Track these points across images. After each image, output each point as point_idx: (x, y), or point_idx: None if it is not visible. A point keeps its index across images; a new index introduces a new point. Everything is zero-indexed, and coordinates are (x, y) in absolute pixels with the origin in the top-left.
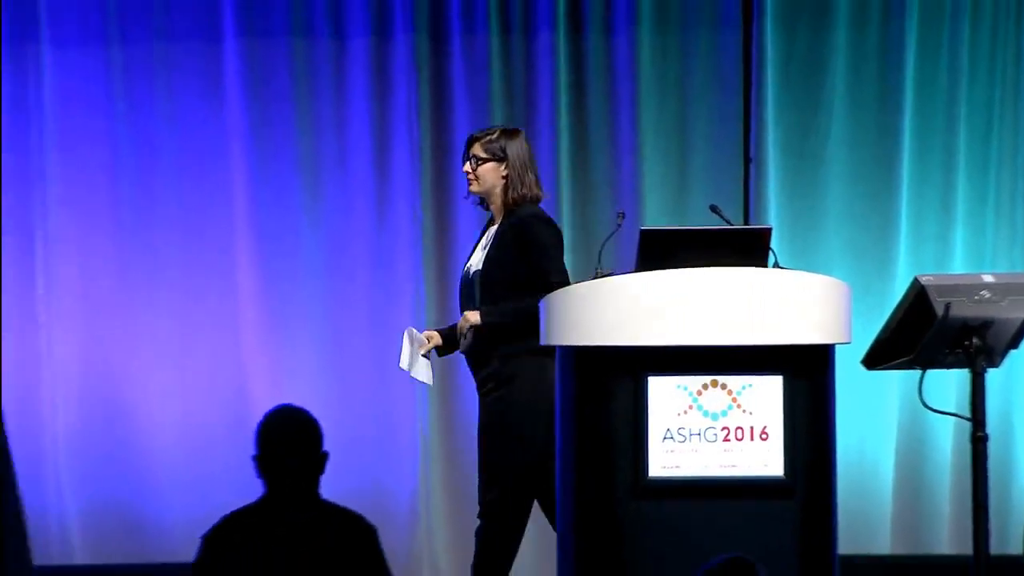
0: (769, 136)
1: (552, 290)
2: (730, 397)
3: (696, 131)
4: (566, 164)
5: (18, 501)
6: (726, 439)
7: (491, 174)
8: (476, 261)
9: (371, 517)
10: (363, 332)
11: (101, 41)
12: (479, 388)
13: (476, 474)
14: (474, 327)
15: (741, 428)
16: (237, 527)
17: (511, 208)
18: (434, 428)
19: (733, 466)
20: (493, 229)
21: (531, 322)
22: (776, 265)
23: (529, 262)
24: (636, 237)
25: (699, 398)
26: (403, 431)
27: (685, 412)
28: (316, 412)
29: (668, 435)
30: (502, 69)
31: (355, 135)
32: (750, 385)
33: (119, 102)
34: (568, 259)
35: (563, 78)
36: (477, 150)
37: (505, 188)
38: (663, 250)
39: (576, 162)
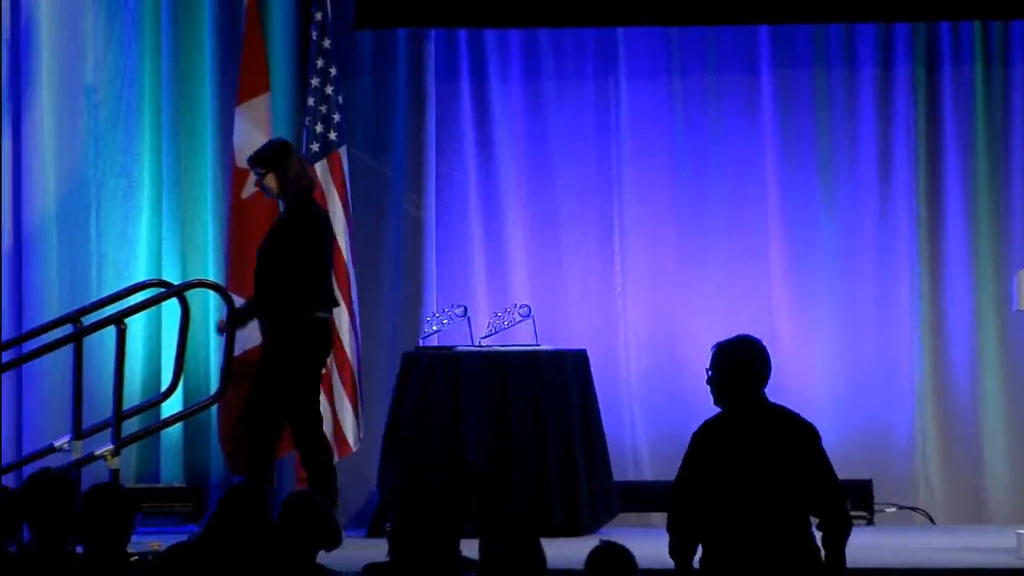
0: None
1: None
2: None
3: None
4: None
5: None
6: None
7: None
8: None
9: (873, 447)
10: (869, 304)
11: (665, 73)
12: None
13: (968, 409)
14: None
15: None
16: (716, 432)
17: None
18: (927, 371)
19: None
20: None
21: None
22: None
23: None
24: None
25: None
26: (901, 374)
27: None
28: (828, 357)
29: None
30: (984, 93)
31: (863, 146)
32: None
33: (678, 122)
34: None
35: None
36: None
37: None
38: None
39: None
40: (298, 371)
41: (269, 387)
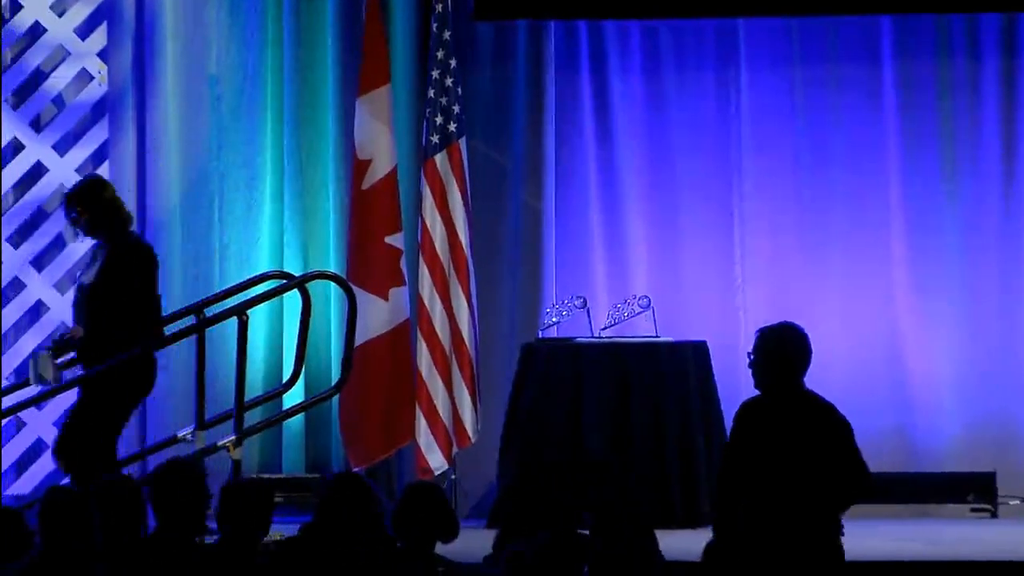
0: None
1: None
2: None
3: None
4: None
5: None
6: None
7: None
8: None
9: (996, 438)
10: (992, 294)
11: (786, 64)
12: None
13: None
14: None
15: None
16: (753, 412)
17: None
18: None
19: None
20: None
21: None
22: None
23: None
24: None
25: None
26: None
27: None
28: (952, 348)
29: None
30: None
31: (986, 136)
32: None
33: (798, 112)
34: None
35: None
36: None
37: None
38: None
39: None
40: (108, 408)
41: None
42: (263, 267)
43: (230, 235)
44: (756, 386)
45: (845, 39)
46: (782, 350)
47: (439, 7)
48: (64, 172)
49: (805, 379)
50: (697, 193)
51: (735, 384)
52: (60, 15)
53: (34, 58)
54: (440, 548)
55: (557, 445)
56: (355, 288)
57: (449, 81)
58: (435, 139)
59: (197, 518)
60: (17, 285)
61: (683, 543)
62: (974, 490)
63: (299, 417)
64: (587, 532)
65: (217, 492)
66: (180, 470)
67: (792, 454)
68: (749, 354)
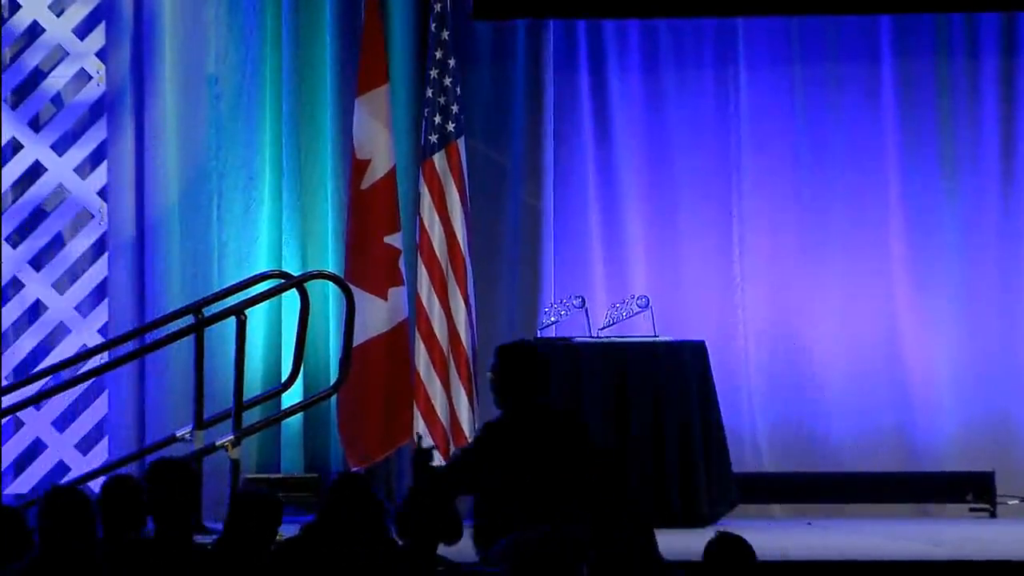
0: None
1: None
2: None
3: None
4: None
5: None
6: None
7: None
8: None
9: (995, 438)
10: (991, 293)
11: (785, 63)
12: None
13: None
14: None
15: None
16: (502, 433)
17: None
18: None
19: None
20: None
21: None
22: None
23: None
24: None
25: None
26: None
27: None
28: (950, 347)
29: None
30: None
31: (985, 135)
32: None
33: (798, 111)
34: None
35: None
36: None
37: None
38: None
39: None
40: None
41: None
42: (262, 267)
43: (228, 234)
44: (498, 405)
45: (844, 38)
46: (520, 368)
47: (438, 6)
48: (63, 172)
49: None
50: (696, 192)
51: (734, 383)
52: (58, 15)
53: (32, 58)
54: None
55: None
56: (353, 288)
57: (448, 81)
58: (434, 139)
59: (189, 517)
60: (16, 284)
61: (682, 543)
62: (973, 490)
63: (297, 417)
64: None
65: (215, 494)
66: (172, 469)
67: (543, 468)
68: (488, 372)
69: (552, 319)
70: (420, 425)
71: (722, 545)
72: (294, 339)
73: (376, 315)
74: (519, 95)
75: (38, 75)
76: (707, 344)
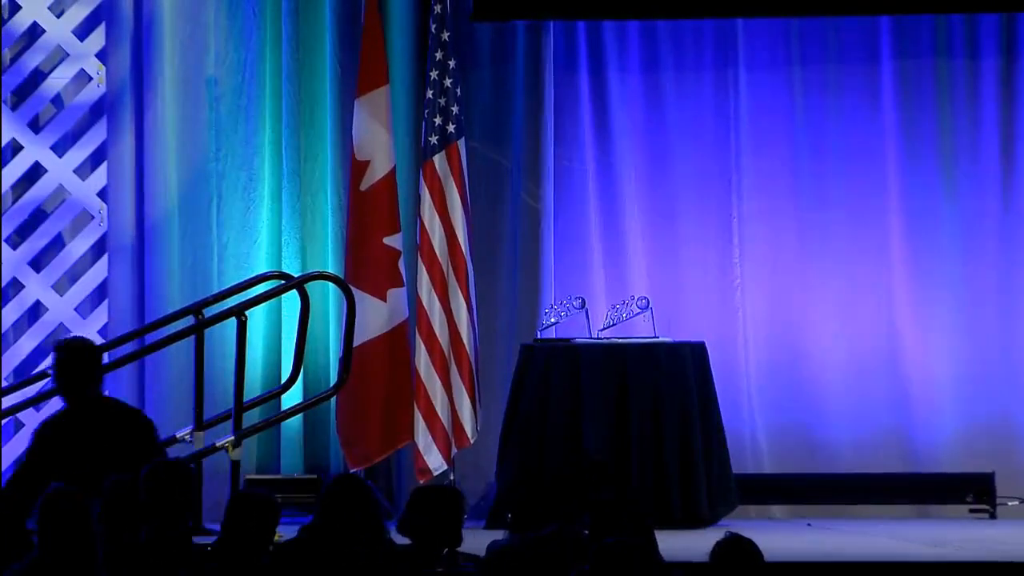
0: None
1: None
2: None
3: None
4: None
5: None
6: None
7: None
8: None
9: (995, 439)
10: (991, 294)
11: (785, 64)
12: None
13: None
14: None
15: None
16: (61, 426)
17: None
18: None
19: None
20: None
21: None
22: None
23: None
24: None
25: None
26: None
27: None
28: (950, 348)
29: None
30: None
31: (985, 136)
32: None
33: (798, 112)
34: None
35: None
36: None
37: None
38: None
39: None
40: None
41: None
42: (261, 268)
43: (228, 236)
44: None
45: (844, 39)
46: (74, 362)
47: (438, 8)
48: (63, 173)
49: None
50: (696, 193)
51: (734, 384)
52: (59, 16)
53: (33, 59)
54: None
55: (556, 446)
56: (354, 289)
57: (448, 82)
58: (434, 140)
59: (187, 518)
60: (16, 285)
61: (683, 544)
62: (973, 491)
63: (297, 418)
64: (587, 532)
65: (216, 495)
66: (167, 470)
67: (102, 457)
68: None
69: (552, 320)
70: (421, 426)
71: (731, 546)
72: (294, 340)
73: (376, 316)
74: (519, 96)
75: (38, 76)
76: (707, 345)
